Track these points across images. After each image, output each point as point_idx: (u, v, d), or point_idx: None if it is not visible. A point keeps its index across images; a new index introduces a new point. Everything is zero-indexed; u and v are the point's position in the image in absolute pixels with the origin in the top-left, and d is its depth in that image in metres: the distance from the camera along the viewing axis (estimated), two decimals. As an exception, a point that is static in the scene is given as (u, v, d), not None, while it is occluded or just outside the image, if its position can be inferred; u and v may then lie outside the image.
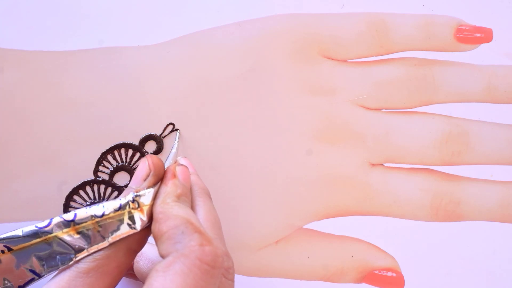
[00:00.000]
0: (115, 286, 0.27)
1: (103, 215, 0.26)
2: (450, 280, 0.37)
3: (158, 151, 0.36)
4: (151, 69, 0.37)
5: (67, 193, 0.36)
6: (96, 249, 0.26)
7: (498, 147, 0.38)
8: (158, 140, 0.36)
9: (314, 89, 0.37)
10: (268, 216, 0.36)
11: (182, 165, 0.30)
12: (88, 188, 0.36)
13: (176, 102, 0.37)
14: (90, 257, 0.26)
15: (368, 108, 0.38)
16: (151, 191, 0.28)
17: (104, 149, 0.36)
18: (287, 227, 0.37)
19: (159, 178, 0.29)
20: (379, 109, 0.38)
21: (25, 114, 0.36)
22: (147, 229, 0.27)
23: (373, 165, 0.37)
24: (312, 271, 0.37)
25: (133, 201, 0.27)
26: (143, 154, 0.36)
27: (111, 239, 0.26)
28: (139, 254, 0.31)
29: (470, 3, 0.38)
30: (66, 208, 0.36)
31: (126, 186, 0.36)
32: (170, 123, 0.37)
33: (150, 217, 0.27)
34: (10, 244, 0.26)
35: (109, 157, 0.36)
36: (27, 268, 0.26)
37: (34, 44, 0.36)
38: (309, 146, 0.37)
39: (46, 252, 0.26)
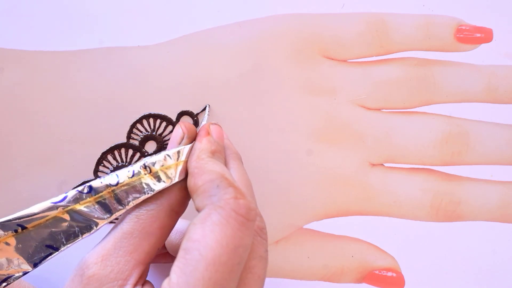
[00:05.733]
0: (159, 248, 0.27)
1: (117, 183, 0.27)
2: (450, 280, 0.37)
3: (158, 151, 0.36)
4: (151, 69, 0.37)
5: (67, 193, 0.36)
6: (115, 217, 0.27)
7: (498, 147, 0.37)
8: (159, 140, 0.36)
9: (314, 89, 0.37)
10: (268, 216, 0.36)
11: (216, 124, 0.31)
12: (88, 188, 0.36)
13: (176, 102, 0.37)
14: (134, 217, 0.27)
15: (368, 108, 0.37)
16: (187, 147, 0.29)
17: (104, 149, 0.36)
18: (287, 227, 0.37)
19: (192, 141, 0.30)
20: (379, 109, 0.38)
21: (25, 114, 0.36)
22: (186, 190, 0.28)
23: (373, 165, 0.37)
24: (312, 271, 0.37)
25: (145, 167, 0.27)
26: (143, 154, 0.36)
27: (129, 205, 0.27)
28: None
29: (470, 3, 0.38)
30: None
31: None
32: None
33: (186, 173, 0.28)
34: (24, 223, 0.26)
35: (109, 157, 0.36)
36: (43, 244, 0.26)
37: (34, 44, 0.36)
38: (309, 146, 0.37)
39: (64, 225, 0.26)
